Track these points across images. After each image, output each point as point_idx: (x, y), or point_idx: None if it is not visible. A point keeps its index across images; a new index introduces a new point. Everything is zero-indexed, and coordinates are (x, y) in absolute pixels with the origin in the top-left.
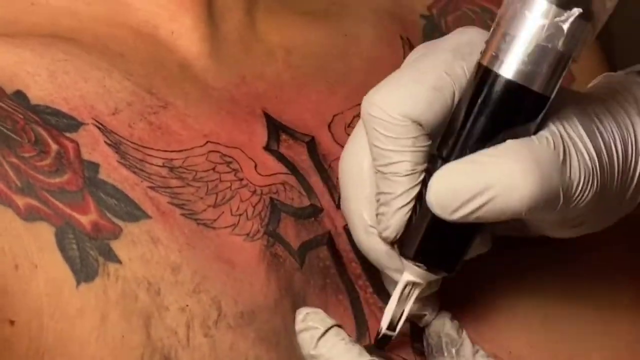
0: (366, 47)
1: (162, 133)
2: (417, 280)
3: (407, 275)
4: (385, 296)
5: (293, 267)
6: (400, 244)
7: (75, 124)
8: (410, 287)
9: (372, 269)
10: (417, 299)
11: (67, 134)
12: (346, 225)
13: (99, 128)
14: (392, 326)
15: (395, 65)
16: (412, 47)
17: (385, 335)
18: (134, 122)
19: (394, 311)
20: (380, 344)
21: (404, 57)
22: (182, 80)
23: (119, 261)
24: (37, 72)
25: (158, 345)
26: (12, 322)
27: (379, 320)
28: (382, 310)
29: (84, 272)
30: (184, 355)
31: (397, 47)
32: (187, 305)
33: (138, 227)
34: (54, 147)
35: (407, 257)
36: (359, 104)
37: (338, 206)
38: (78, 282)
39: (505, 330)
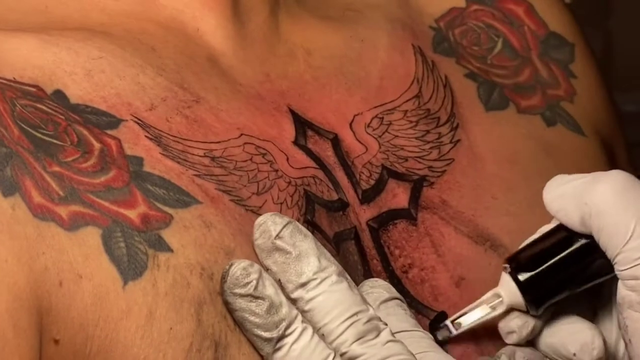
0: (381, 53)
1: (199, 126)
2: (505, 297)
3: (500, 289)
4: (401, 294)
5: (332, 253)
6: (516, 261)
7: (115, 121)
8: (496, 301)
9: (389, 268)
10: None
11: (108, 132)
12: (369, 221)
13: (138, 123)
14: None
15: (408, 71)
16: (423, 56)
17: (447, 328)
18: (171, 116)
19: (468, 316)
20: (437, 335)
21: (416, 65)
22: (212, 75)
23: (170, 249)
24: (74, 71)
25: (209, 332)
26: (56, 341)
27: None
28: None
29: (131, 269)
30: (233, 337)
31: (410, 55)
32: None
33: (190, 213)
34: (97, 145)
35: (516, 273)
36: (376, 106)
37: (361, 202)
38: (125, 282)
39: None
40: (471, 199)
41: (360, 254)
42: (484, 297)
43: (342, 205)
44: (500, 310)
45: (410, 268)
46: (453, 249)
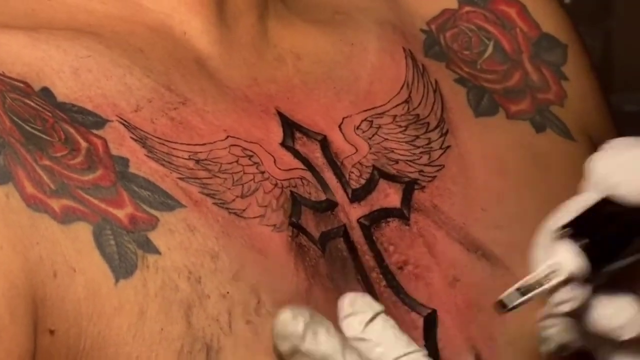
0: (371, 57)
1: (184, 128)
2: (564, 265)
3: (557, 258)
4: (395, 290)
5: (317, 255)
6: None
7: (100, 121)
8: (551, 273)
9: (383, 263)
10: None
11: (94, 131)
12: (360, 218)
13: (123, 125)
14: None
15: (398, 75)
16: (414, 59)
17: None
18: (156, 118)
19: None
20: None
21: (407, 68)
22: (199, 77)
23: (158, 252)
24: (61, 69)
25: (199, 335)
26: (51, 332)
27: (390, 312)
28: (395, 304)
29: (122, 267)
30: (226, 341)
31: (400, 59)
32: (227, 292)
33: (174, 216)
34: (84, 144)
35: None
36: (366, 110)
37: (351, 201)
38: (117, 279)
39: None
40: (462, 207)
41: (349, 250)
42: (539, 271)
43: (330, 205)
44: (558, 279)
45: (404, 265)
46: (446, 252)
